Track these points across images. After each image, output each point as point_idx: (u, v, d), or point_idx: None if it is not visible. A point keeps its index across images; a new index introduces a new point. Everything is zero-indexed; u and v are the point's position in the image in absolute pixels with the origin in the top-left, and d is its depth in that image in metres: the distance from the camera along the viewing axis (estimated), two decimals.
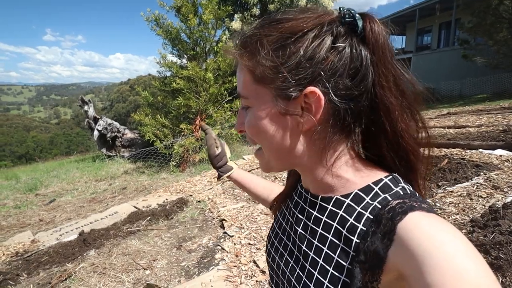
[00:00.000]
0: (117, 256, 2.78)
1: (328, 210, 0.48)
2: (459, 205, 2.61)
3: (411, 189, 0.44)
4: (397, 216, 0.38)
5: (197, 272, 2.42)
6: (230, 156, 0.93)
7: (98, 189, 5.74)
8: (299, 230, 0.52)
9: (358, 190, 0.45)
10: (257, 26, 0.45)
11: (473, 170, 3.38)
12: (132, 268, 2.57)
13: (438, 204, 2.70)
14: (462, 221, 2.35)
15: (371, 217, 0.42)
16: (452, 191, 2.90)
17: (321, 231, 0.48)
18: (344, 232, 0.44)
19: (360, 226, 0.42)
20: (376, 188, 0.44)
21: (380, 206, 0.42)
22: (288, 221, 0.58)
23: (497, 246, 1.86)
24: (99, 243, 3.13)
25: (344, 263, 0.42)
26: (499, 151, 3.87)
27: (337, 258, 0.44)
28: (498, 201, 2.52)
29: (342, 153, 0.47)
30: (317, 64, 0.41)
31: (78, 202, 4.95)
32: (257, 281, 2.13)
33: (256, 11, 9.32)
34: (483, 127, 5.87)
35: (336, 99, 0.42)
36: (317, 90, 0.41)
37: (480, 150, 4.14)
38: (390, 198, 0.42)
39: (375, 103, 0.43)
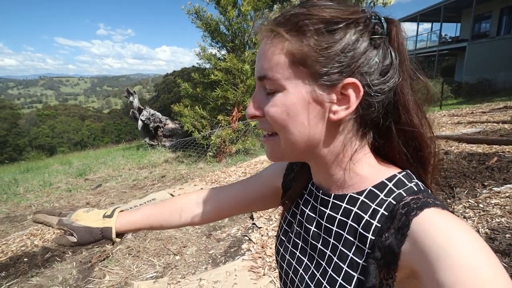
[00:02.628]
0: (150, 241, 2.92)
1: (342, 208, 0.47)
2: (506, 207, 2.35)
3: (424, 185, 0.45)
4: (412, 212, 0.38)
5: (223, 261, 2.45)
6: (105, 213, 0.69)
7: (139, 176, 6.07)
8: (312, 228, 0.52)
9: (372, 186, 0.45)
10: (303, 6, 0.43)
11: None
12: (163, 253, 2.68)
13: (481, 205, 2.45)
14: (507, 225, 2.11)
15: (386, 213, 0.42)
16: (499, 192, 2.63)
17: (336, 229, 0.47)
18: (359, 229, 0.44)
19: (375, 223, 0.42)
20: (390, 184, 0.44)
21: (394, 202, 0.42)
22: (298, 220, 0.57)
23: None
24: None
25: (359, 261, 0.43)
26: None
27: (352, 256, 0.44)
28: None
29: (361, 147, 0.47)
30: (358, 56, 0.41)
31: (121, 188, 5.28)
32: None
33: (295, 1, 9.08)
34: None
35: (372, 91, 0.43)
36: (357, 80, 0.41)
37: None
38: (404, 194, 0.42)
39: (395, 98, 0.45)
